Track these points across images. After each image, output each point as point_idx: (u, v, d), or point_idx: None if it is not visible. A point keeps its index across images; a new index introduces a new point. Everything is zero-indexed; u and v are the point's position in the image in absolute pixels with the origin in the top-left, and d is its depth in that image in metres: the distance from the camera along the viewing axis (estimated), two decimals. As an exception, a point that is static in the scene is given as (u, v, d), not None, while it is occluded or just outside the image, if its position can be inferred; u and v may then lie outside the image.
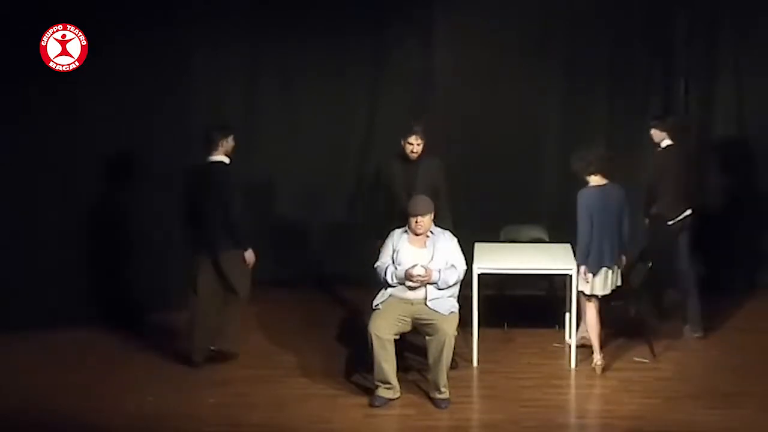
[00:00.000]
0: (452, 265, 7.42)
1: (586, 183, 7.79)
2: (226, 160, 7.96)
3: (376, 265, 7.51)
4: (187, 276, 8.04)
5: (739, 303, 9.38)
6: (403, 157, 8.13)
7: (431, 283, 7.32)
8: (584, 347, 8.05)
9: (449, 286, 7.38)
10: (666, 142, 8.63)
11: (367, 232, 8.40)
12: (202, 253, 7.93)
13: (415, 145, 8.06)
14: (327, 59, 9.76)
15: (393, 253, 7.46)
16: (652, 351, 8.15)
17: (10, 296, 8.46)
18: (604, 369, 7.85)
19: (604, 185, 7.79)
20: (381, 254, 7.55)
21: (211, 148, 7.91)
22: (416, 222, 7.40)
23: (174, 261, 9.10)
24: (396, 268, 7.38)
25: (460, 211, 8.49)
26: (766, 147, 9.72)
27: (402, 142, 8.11)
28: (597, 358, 7.85)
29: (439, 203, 7.91)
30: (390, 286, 7.39)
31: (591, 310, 7.85)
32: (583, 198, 7.74)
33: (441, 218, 7.75)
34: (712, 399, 7.37)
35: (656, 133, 8.66)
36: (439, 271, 7.33)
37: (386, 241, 7.58)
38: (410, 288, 7.31)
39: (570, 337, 8.11)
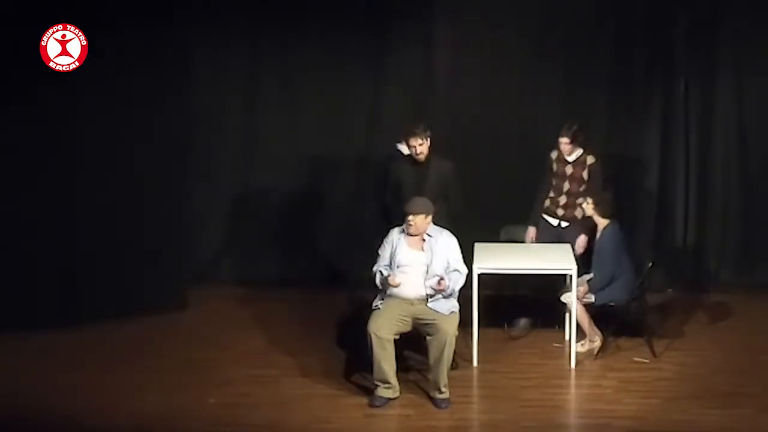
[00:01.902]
0: (456, 270, 7.43)
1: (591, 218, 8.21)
2: (407, 151, 8.23)
3: (372, 269, 7.54)
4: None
5: (738, 303, 9.38)
6: (412, 159, 8.11)
7: (441, 291, 7.30)
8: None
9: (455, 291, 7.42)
10: (577, 153, 8.65)
11: (371, 232, 8.39)
12: None
13: (417, 146, 8.01)
14: (327, 59, 9.74)
15: (391, 253, 7.47)
16: (652, 351, 8.15)
17: (10, 296, 8.46)
18: (605, 369, 7.90)
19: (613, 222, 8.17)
20: (379, 257, 7.56)
21: (401, 137, 8.23)
22: (408, 221, 7.39)
23: (172, 261, 9.13)
24: (383, 273, 7.41)
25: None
26: (767, 146, 9.73)
27: (407, 146, 8.10)
28: (593, 339, 8.14)
29: (449, 207, 7.94)
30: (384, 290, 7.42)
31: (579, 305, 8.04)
32: (612, 235, 8.06)
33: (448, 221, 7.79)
34: (712, 399, 7.37)
35: (569, 147, 8.64)
36: (449, 280, 7.33)
37: (384, 242, 7.59)
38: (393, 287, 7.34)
39: (569, 337, 8.15)
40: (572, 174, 8.68)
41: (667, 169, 9.85)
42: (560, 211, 8.70)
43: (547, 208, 8.76)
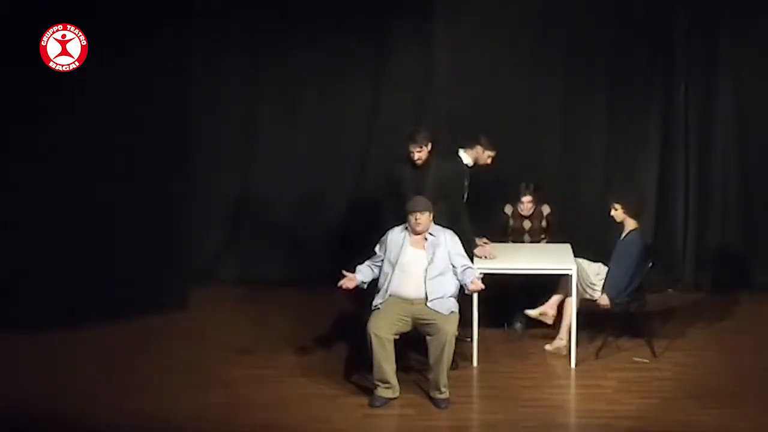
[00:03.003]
0: (465, 265, 7.47)
1: (618, 219, 8.16)
2: (468, 161, 8.33)
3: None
4: None
5: (738, 303, 9.38)
6: (412, 163, 8.08)
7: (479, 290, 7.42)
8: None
9: None
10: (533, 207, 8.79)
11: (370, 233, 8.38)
12: None
13: (415, 152, 8.00)
14: (328, 61, 9.75)
15: (388, 251, 7.48)
16: (652, 351, 8.15)
17: (10, 296, 8.45)
18: (605, 369, 7.91)
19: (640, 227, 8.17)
20: (375, 254, 7.63)
21: (466, 144, 8.31)
22: (415, 219, 7.41)
23: (172, 261, 9.14)
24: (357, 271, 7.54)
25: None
26: (766, 147, 9.72)
27: (407, 150, 8.05)
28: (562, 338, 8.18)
29: (450, 207, 7.94)
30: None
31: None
32: (638, 240, 8.05)
33: (457, 228, 7.78)
34: (712, 399, 7.37)
35: (531, 205, 8.76)
36: (477, 278, 7.40)
37: (381, 240, 7.61)
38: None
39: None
40: (531, 227, 8.83)
41: (667, 169, 9.85)
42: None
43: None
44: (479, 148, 8.39)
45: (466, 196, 8.26)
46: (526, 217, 8.81)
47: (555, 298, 8.16)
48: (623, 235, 8.15)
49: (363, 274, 7.59)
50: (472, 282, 7.36)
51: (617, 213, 8.15)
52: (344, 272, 7.50)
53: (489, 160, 8.46)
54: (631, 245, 8.06)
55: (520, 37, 9.68)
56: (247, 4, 9.74)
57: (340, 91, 9.84)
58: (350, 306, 8.88)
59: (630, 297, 8.06)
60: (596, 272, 8.19)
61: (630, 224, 8.14)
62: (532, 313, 8.21)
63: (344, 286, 7.49)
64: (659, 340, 8.34)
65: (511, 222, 8.86)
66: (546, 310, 8.18)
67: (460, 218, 8.07)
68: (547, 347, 8.23)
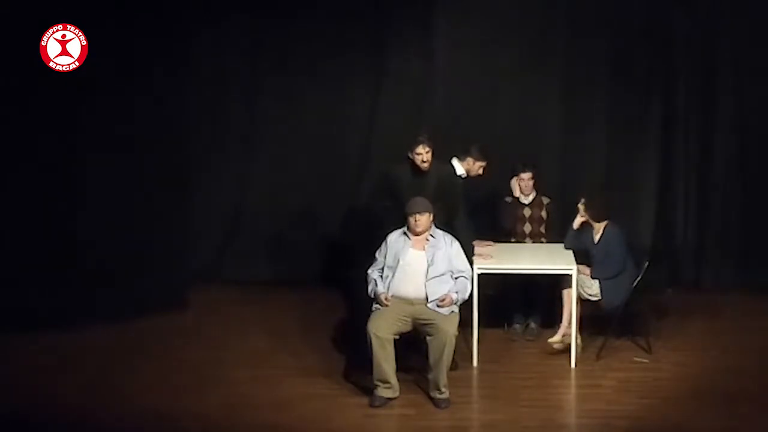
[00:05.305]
0: (462, 275, 7.45)
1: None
2: (461, 171, 8.31)
3: (368, 272, 7.57)
4: None
5: (738, 303, 9.38)
6: (414, 167, 7.99)
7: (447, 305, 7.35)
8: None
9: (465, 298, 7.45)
10: (533, 194, 8.74)
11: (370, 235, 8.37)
12: None
13: (424, 154, 7.89)
14: (327, 64, 9.74)
15: (389, 256, 7.46)
16: (649, 350, 8.14)
17: (9, 297, 8.45)
18: (605, 369, 7.92)
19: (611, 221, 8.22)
20: (375, 260, 7.58)
21: (459, 154, 8.31)
22: (415, 221, 7.40)
23: (172, 261, 9.14)
24: (377, 285, 7.44)
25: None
26: (766, 147, 9.72)
27: (410, 155, 7.94)
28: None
29: (448, 209, 7.90)
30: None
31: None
32: (618, 236, 8.12)
33: (459, 233, 7.75)
34: (712, 399, 7.37)
35: (531, 183, 8.69)
36: (457, 293, 7.37)
37: (382, 245, 7.60)
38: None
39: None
40: (531, 215, 8.78)
41: (667, 170, 9.85)
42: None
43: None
44: (470, 160, 8.34)
45: (463, 203, 8.21)
46: (525, 205, 8.78)
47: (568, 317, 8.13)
48: (597, 236, 8.19)
49: (384, 285, 7.53)
50: (443, 297, 7.32)
51: (581, 207, 8.23)
52: (381, 293, 7.41)
53: (480, 171, 8.39)
54: (614, 244, 8.10)
55: (519, 39, 9.67)
56: (247, 5, 9.74)
57: (339, 92, 9.83)
58: (350, 306, 8.90)
59: (625, 294, 8.05)
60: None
61: (598, 225, 8.18)
62: (557, 347, 8.18)
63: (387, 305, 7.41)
64: (658, 339, 8.34)
65: (512, 211, 8.80)
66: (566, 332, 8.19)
67: (456, 218, 8.03)
68: (556, 347, 8.19)
